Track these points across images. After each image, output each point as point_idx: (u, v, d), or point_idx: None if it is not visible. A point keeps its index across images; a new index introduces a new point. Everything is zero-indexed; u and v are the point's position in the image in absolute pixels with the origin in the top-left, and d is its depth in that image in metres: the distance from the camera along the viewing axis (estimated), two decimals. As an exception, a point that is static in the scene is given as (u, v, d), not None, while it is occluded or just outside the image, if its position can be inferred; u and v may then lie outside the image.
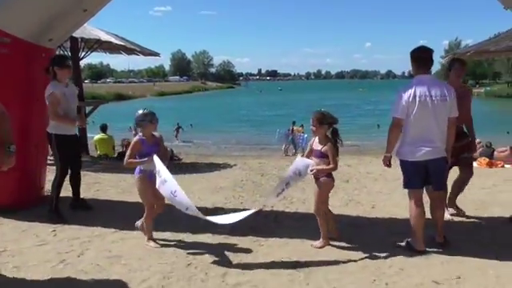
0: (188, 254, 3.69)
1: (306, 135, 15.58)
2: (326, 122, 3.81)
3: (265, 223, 4.59)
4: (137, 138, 3.77)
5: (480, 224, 4.57)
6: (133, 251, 3.71)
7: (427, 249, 3.72)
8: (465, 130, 4.64)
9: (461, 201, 4.90)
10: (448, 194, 4.42)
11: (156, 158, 3.62)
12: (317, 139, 3.90)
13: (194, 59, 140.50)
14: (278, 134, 16.44)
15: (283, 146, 15.82)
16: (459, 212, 4.81)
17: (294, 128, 16.25)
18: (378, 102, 44.54)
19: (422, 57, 3.74)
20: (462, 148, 4.48)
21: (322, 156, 3.79)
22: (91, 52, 9.91)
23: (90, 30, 8.97)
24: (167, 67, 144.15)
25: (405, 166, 3.75)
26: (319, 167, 3.78)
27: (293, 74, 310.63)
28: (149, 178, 3.70)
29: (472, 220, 4.69)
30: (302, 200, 5.59)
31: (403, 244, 3.83)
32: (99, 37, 8.99)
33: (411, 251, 3.72)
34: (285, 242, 4.00)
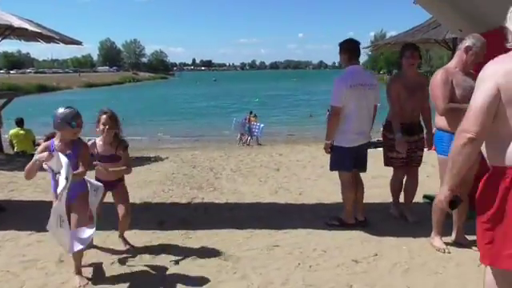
0: (113, 251, 3.56)
1: (262, 125, 15.81)
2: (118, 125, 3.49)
3: (195, 215, 4.56)
4: (47, 143, 3.02)
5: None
6: (51, 253, 3.49)
7: (350, 231, 3.95)
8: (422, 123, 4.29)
9: (382, 184, 5.19)
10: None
11: (61, 157, 2.80)
12: (101, 142, 3.43)
13: (124, 48, 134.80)
14: (234, 123, 16.38)
15: (238, 136, 15.86)
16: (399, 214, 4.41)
17: (251, 118, 16.38)
18: (311, 92, 45.93)
19: (353, 48, 3.97)
20: (415, 144, 4.07)
21: (113, 160, 3.45)
22: (2, 39, 9.07)
23: (0, 14, 8.21)
24: (95, 57, 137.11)
25: (340, 151, 3.96)
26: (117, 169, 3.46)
27: (228, 64, 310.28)
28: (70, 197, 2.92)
29: (391, 200, 5.00)
30: (232, 190, 5.62)
31: (335, 222, 4.11)
32: (10, 22, 8.23)
33: (343, 226, 4.04)
34: (214, 232, 4.00)
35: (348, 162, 4.00)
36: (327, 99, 3.95)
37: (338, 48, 4.00)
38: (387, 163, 4.23)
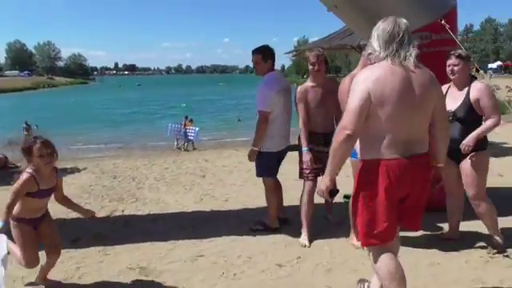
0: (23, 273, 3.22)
1: (197, 129, 15.47)
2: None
3: (113, 230, 4.30)
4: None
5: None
6: None
7: (274, 235, 3.97)
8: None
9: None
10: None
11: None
12: (39, 175, 2.85)
13: (37, 51, 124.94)
14: (169, 128, 15.87)
15: (175, 142, 15.36)
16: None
17: (187, 122, 15.96)
18: (239, 96, 46.22)
19: (273, 55, 4.06)
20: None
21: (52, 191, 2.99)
22: None
23: None
24: (2, 60, 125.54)
25: (269, 157, 3.96)
26: None
27: (153, 68, 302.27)
28: None
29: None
30: (155, 200, 5.41)
31: (260, 227, 4.11)
32: None
33: (267, 230, 4.04)
34: (135, 246, 3.80)
35: (276, 167, 4.07)
36: (255, 103, 3.94)
37: (259, 55, 3.99)
38: (300, 175, 3.94)
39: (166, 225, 4.41)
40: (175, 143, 15.32)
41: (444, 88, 3.50)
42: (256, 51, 4.03)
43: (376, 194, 2.22)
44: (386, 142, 2.19)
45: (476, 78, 3.46)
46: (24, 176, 2.78)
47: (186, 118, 16.56)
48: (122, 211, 4.92)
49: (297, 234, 3.94)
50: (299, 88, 3.86)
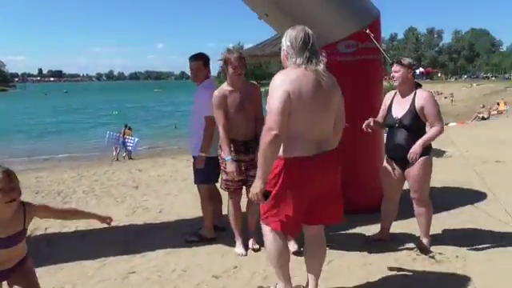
0: None
1: (136, 139, 14.89)
2: None
3: (35, 250, 3.92)
4: None
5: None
6: None
7: (210, 245, 3.88)
8: None
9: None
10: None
11: None
12: None
13: None
14: (108, 137, 14.92)
15: (114, 151, 14.49)
16: None
17: (126, 131, 15.15)
18: (175, 103, 45.40)
19: (209, 61, 4.04)
20: (251, 162, 3.50)
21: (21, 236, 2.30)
22: None
23: None
24: None
25: (210, 162, 3.82)
26: None
27: (82, 74, 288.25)
28: None
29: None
30: (83, 215, 5.07)
31: (195, 238, 3.99)
32: None
33: (203, 241, 3.94)
34: (59, 267, 3.51)
35: (214, 173, 3.91)
36: (194, 109, 3.85)
37: (200, 61, 3.97)
38: (222, 186, 3.76)
39: (94, 241, 4.14)
40: (114, 153, 14.63)
41: (390, 95, 3.62)
42: (196, 58, 3.98)
43: (291, 189, 2.40)
44: (302, 141, 2.39)
45: (421, 86, 3.49)
46: None
47: (126, 126, 15.92)
48: (45, 229, 4.54)
49: (232, 242, 3.86)
50: (216, 92, 3.52)
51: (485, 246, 3.67)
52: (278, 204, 2.46)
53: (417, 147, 3.28)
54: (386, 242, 3.76)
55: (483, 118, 21.48)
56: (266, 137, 2.28)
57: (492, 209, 4.54)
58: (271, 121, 2.29)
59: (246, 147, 3.54)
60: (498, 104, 26.49)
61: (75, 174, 8.07)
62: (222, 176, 3.70)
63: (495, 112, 24.29)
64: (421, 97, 3.35)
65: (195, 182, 4.04)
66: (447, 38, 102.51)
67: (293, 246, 3.51)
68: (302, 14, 4.02)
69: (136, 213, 5.14)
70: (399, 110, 3.41)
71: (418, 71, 67.44)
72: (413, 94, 3.38)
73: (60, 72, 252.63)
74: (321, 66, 2.40)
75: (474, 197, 5.08)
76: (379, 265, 3.38)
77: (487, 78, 70.92)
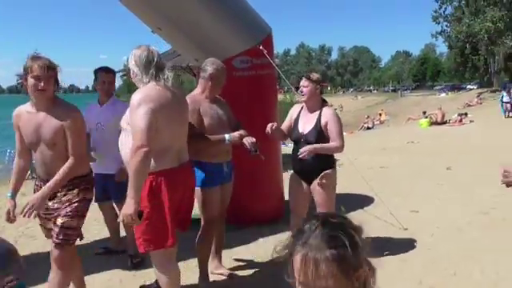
0: None
1: None
2: None
3: None
4: None
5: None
6: None
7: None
8: None
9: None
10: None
11: None
12: None
13: None
14: (8, 154, 13.11)
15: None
16: None
17: None
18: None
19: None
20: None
21: None
22: None
23: None
24: None
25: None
26: None
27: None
28: None
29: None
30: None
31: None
32: None
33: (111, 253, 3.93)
34: None
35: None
36: None
37: (114, 74, 3.91)
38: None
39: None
40: None
41: (297, 108, 3.57)
42: (110, 70, 3.85)
43: (162, 203, 2.47)
44: (168, 154, 2.50)
45: (327, 103, 3.50)
46: None
47: None
48: None
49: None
50: (15, 111, 2.75)
51: (374, 246, 3.97)
52: (156, 221, 2.48)
53: (311, 147, 3.24)
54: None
55: (368, 128, 23.72)
56: (137, 155, 2.29)
57: (379, 211, 4.96)
58: (139, 139, 2.31)
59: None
60: (380, 114, 29.51)
61: None
62: None
63: (378, 122, 26.99)
64: (326, 114, 3.34)
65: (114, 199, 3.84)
66: (335, 55, 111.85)
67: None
68: (195, 29, 4.01)
69: (19, 242, 4.56)
70: (305, 125, 3.38)
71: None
72: (319, 111, 3.37)
73: None
74: (170, 81, 2.51)
75: (362, 201, 5.51)
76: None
77: (370, 90, 78.63)
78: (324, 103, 3.45)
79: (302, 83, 3.40)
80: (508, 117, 18.56)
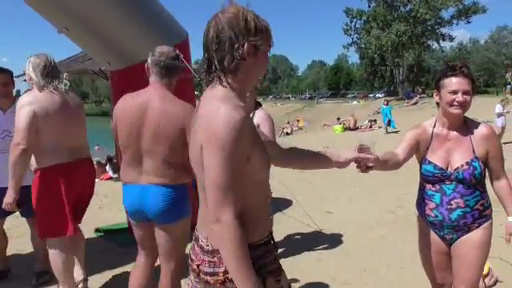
0: None
1: None
2: None
3: None
4: None
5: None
6: None
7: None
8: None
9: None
10: None
11: None
12: None
13: None
14: None
15: None
16: None
17: None
18: None
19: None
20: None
21: None
22: None
23: None
24: None
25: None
26: None
27: None
28: None
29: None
30: None
31: None
32: None
33: None
34: None
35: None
36: None
37: (10, 75, 3.55)
38: None
39: None
40: None
41: None
42: (3, 70, 3.49)
43: (58, 196, 2.76)
44: (55, 151, 2.77)
45: (261, 105, 3.55)
46: None
47: None
48: None
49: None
50: None
51: (291, 246, 4.09)
52: (47, 213, 2.78)
53: None
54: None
55: (287, 133, 24.53)
56: (14, 151, 2.62)
57: (296, 213, 5.12)
58: (19, 137, 2.63)
59: None
60: (298, 121, 30.70)
61: None
62: None
63: (296, 128, 28.05)
64: (258, 116, 3.41)
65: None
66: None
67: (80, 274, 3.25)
68: (106, 31, 3.83)
69: None
70: None
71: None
72: (252, 114, 3.43)
73: None
74: (63, 87, 2.86)
75: (281, 204, 5.65)
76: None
77: (288, 98, 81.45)
78: (257, 106, 3.54)
79: None
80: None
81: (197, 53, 5.10)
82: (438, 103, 2.16)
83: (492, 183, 2.17)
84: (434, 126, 2.17)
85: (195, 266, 1.40)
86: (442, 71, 2.16)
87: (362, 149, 1.84)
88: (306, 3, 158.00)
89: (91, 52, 4.70)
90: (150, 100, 2.35)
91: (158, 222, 2.38)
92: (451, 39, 42.39)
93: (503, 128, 11.45)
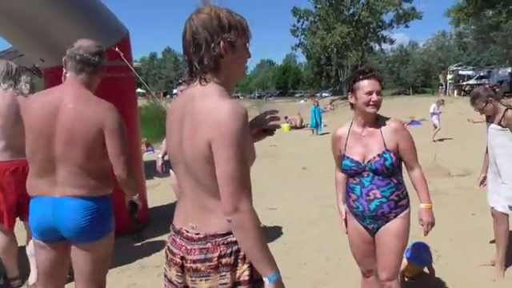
0: None
1: None
2: None
3: None
4: None
5: None
6: None
7: None
8: None
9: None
10: None
11: None
12: None
13: None
14: None
15: None
16: None
17: None
18: None
19: None
20: None
21: None
22: None
23: None
24: None
25: None
26: None
27: None
28: None
29: None
30: None
31: None
32: None
33: None
34: None
35: None
36: None
37: None
38: None
39: None
40: None
41: None
42: None
43: None
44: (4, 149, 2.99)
45: None
46: None
47: None
48: None
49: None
50: None
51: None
52: None
53: None
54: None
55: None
56: None
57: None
58: None
59: None
60: (247, 119, 30.88)
61: None
62: None
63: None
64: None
65: None
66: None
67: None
68: (37, 26, 3.67)
69: None
70: None
71: (175, 90, 71.65)
72: None
73: None
74: (27, 90, 3.11)
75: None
76: (141, 280, 3.35)
77: (238, 97, 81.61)
78: None
79: (180, 88, 3.73)
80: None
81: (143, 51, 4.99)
82: (352, 104, 2.33)
83: (408, 174, 2.36)
84: (351, 125, 2.36)
85: (178, 259, 1.43)
86: (354, 75, 2.34)
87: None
88: (256, 3, 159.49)
89: (23, 48, 4.48)
90: (62, 99, 2.02)
91: (75, 242, 2.04)
92: (391, 42, 44.47)
93: (435, 126, 12.30)
